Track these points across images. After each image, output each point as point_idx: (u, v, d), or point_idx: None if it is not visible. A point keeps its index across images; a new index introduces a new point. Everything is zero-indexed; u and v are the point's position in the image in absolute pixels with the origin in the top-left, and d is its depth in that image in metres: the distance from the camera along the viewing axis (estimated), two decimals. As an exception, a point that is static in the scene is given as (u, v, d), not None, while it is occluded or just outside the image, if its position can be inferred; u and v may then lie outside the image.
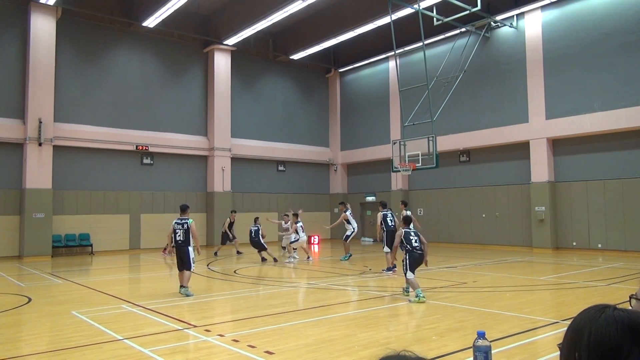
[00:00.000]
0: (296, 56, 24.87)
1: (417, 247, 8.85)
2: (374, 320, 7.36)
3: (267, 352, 5.66)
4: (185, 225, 9.98)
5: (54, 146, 19.05)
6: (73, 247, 19.57)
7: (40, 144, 18.53)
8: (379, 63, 25.62)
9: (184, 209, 10.27)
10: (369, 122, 26.18)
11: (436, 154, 16.87)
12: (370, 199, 26.14)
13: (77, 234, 19.78)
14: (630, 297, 1.41)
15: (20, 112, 18.81)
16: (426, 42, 19.35)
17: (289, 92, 26.84)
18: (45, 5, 18.70)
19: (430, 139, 16.94)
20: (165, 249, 14.47)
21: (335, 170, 27.95)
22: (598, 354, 1.14)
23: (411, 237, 8.93)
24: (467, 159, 21.49)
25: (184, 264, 9.91)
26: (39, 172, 18.55)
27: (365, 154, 26.14)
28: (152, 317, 7.78)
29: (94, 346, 6.10)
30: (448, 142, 21.00)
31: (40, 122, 18.53)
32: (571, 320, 1.27)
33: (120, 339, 6.35)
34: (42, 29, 18.87)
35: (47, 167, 18.79)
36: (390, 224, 13.56)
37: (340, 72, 27.95)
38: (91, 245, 19.87)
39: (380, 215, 13.72)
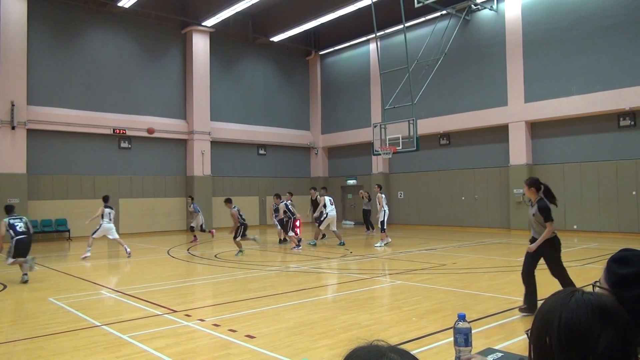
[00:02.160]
0: (276, 38, 24.57)
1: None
2: (354, 303, 7.40)
3: (248, 336, 5.65)
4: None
5: (28, 130, 18.58)
6: (50, 233, 19.23)
7: (13, 128, 18.04)
8: (360, 45, 25.46)
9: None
10: (350, 105, 26.11)
11: (416, 137, 16.93)
12: (351, 182, 26.20)
13: (54, 220, 19.43)
14: (593, 285, 1.41)
15: (-8, 95, 18.22)
16: (407, 24, 19.27)
17: (269, 74, 26.55)
18: (15, -16, 18.04)
19: (411, 122, 16.97)
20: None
21: (316, 153, 27.88)
22: (569, 337, 1.13)
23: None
24: (447, 142, 21.63)
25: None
26: (12, 156, 18.10)
27: (346, 137, 26.10)
28: (132, 302, 7.70)
29: (71, 333, 6.01)
30: (428, 125, 21.08)
31: (13, 105, 18.01)
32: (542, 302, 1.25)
33: (98, 325, 6.27)
34: (13, 9, 18.24)
35: (21, 151, 18.34)
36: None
37: (320, 54, 27.72)
38: (68, 231, 19.56)
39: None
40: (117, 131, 20.87)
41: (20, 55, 18.36)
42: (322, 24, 23.61)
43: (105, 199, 14.34)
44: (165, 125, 22.36)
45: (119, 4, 19.85)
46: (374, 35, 20.62)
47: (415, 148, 16.95)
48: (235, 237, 13.68)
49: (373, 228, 19.98)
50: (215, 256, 13.59)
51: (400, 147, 17.37)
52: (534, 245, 6.41)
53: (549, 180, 18.26)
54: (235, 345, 5.36)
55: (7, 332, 6.34)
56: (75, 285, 9.53)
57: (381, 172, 23.90)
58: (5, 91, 17.99)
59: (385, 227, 15.23)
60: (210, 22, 22.20)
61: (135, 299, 7.94)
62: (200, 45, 23.17)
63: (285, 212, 15.27)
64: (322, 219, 15.58)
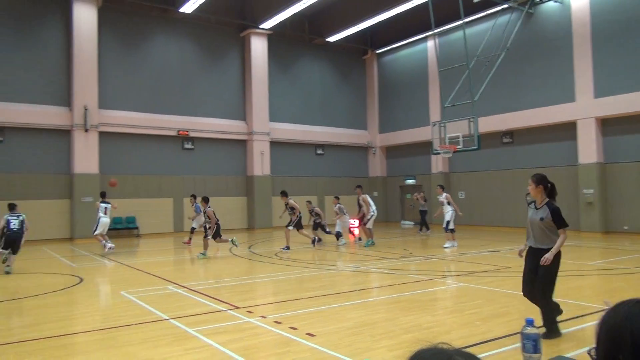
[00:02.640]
0: (332, 38, 24.65)
1: None
2: (415, 304, 7.30)
3: (309, 334, 5.70)
4: None
5: (100, 132, 19.66)
6: (120, 230, 20.26)
7: (86, 130, 19.16)
8: (417, 43, 25.07)
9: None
10: (408, 104, 25.78)
11: (477, 136, 16.47)
12: (409, 182, 25.87)
13: (124, 217, 20.45)
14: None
15: (67, 100, 19.46)
16: (466, 20, 18.79)
17: (325, 74, 26.69)
18: (88, -5, 19.14)
19: (471, 120, 16.53)
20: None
21: (374, 153, 27.74)
22: None
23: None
24: (510, 140, 20.89)
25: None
26: (86, 157, 19.23)
27: (404, 136, 25.79)
28: (197, 298, 7.98)
29: (141, 325, 6.31)
30: (490, 123, 20.45)
31: (86, 109, 19.12)
32: (602, 316, 1.15)
33: (166, 319, 6.54)
34: (85, 18, 19.36)
35: (94, 152, 19.43)
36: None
37: (377, 53, 27.54)
38: (137, 228, 20.53)
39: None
40: (181, 133, 21.69)
41: (92, 62, 19.47)
42: (378, 23, 23.45)
43: (102, 195, 15.60)
44: (226, 127, 23.01)
45: (181, 10, 20.61)
46: (431, 33, 20.25)
47: (476, 147, 16.49)
48: (205, 236, 13.57)
49: (428, 228, 19.86)
50: (276, 254, 13.82)
51: (461, 146, 16.95)
52: (550, 255, 5.28)
53: (623, 179, 17.27)
54: (296, 343, 5.43)
55: (83, 322, 6.74)
56: (144, 280, 9.98)
57: (441, 172, 23.43)
58: (79, 96, 19.13)
59: (452, 228, 14.93)
60: (267, 24, 22.60)
61: (200, 294, 8.21)
62: (259, 47, 23.65)
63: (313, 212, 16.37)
64: (369, 217, 15.46)
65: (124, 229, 20.40)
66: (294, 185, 24.74)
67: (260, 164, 23.39)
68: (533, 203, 5.56)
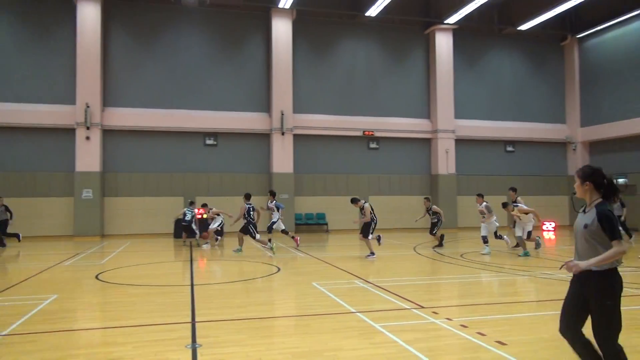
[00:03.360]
0: (525, 26, 22.85)
1: None
2: (631, 322, 6.34)
3: (499, 342, 5.38)
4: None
5: (294, 135, 21.40)
6: (312, 225, 21.79)
7: (282, 133, 21.03)
8: (630, 22, 21.77)
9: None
10: (618, 93, 22.56)
11: None
12: (621, 180, 22.60)
13: (315, 213, 21.94)
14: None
15: (266, 107, 21.62)
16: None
17: (517, 66, 24.88)
18: (283, 10, 20.99)
19: None
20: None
21: (574, 149, 24.96)
22: None
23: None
24: None
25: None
26: (283, 158, 21.13)
27: (614, 129, 22.66)
28: (382, 294, 8.14)
29: (330, 315, 6.68)
30: None
31: (282, 114, 21.00)
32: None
33: (353, 312, 6.81)
34: (282, 30, 21.27)
35: (289, 153, 21.25)
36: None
37: (578, 38, 24.71)
38: (327, 224, 21.84)
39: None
40: (366, 133, 22.41)
41: (288, 71, 21.32)
42: (580, 4, 20.98)
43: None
44: (410, 125, 23.05)
45: (367, 14, 21.25)
46: (650, 7, 17.38)
47: None
48: (254, 237, 14.00)
49: (631, 235, 17.08)
50: (461, 256, 13.36)
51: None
52: (585, 264, 3.70)
53: None
54: (484, 350, 5.16)
55: (282, 308, 7.41)
56: (334, 273, 10.55)
57: (661, 169, 20.00)
58: (277, 102, 21.12)
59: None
60: (452, 19, 21.95)
61: (385, 291, 8.36)
62: (443, 43, 23.14)
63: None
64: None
65: (314, 224, 21.88)
66: (480, 184, 23.60)
67: (445, 162, 22.88)
68: (583, 207, 3.99)
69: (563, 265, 3.90)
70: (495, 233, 14.19)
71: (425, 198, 16.55)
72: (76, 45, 19.45)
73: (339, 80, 22.59)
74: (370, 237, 12.86)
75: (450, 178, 22.89)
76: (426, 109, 23.60)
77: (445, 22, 22.35)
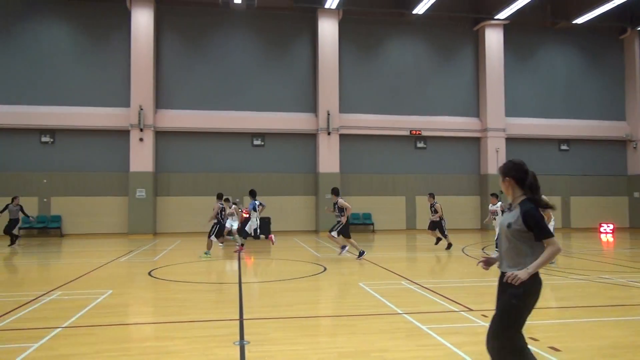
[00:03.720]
0: (580, 19, 21.92)
1: None
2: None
3: (552, 347, 5.17)
4: None
5: (340, 134, 21.41)
6: (358, 225, 21.72)
7: (329, 134, 21.08)
8: (699, 11, 20.47)
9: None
10: (683, 87, 21.26)
11: None
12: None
13: (361, 213, 21.85)
14: None
15: (313, 107, 21.73)
16: None
17: (571, 61, 23.93)
18: (330, 10, 21.04)
19: None
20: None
21: (634, 147, 23.73)
22: None
23: None
24: None
25: None
26: (329, 157, 21.18)
27: (679, 125, 21.38)
28: (429, 295, 8.00)
29: (377, 316, 6.62)
30: None
31: (329, 114, 21.04)
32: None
33: (400, 313, 6.73)
34: (328, 30, 21.32)
35: (335, 153, 21.26)
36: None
37: (639, 30, 23.43)
38: (372, 224, 21.71)
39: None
40: (414, 132, 22.12)
41: (334, 72, 21.36)
42: (642, -7, 19.93)
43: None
44: (459, 124, 22.60)
45: (414, 12, 20.96)
46: None
47: None
48: (209, 236, 13.40)
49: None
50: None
51: None
52: (524, 273, 3.35)
53: None
54: (537, 355, 4.97)
55: (327, 307, 7.42)
56: (380, 273, 10.47)
57: None
58: (323, 103, 21.22)
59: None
60: (503, 14, 21.33)
61: (433, 292, 8.21)
62: (493, 39, 22.53)
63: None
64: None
65: (360, 224, 21.79)
66: (533, 185, 22.85)
67: (495, 161, 22.26)
68: (509, 205, 3.70)
69: (480, 262, 3.70)
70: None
71: (429, 194, 15.67)
72: (130, 50, 20.24)
73: (386, 80, 22.41)
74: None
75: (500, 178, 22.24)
76: (475, 108, 23.05)
77: (496, 17, 21.75)
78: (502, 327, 3.49)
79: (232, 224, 15.10)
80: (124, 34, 20.56)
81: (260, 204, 14.53)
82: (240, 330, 5.85)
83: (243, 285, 8.93)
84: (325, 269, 11.03)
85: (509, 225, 3.51)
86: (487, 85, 22.49)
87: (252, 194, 14.56)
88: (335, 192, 13.00)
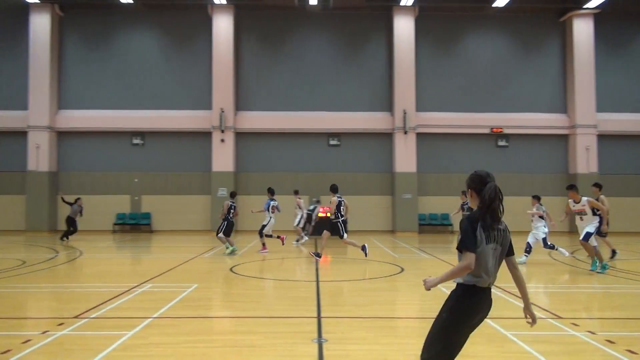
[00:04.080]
0: (686, 4, 20.00)
1: None
2: None
3: (629, 350, 4.78)
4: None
5: (417, 133, 21.04)
6: (436, 226, 21.26)
7: (405, 132, 20.79)
8: None
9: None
10: None
11: None
12: None
13: (439, 214, 21.36)
14: None
15: (389, 106, 21.53)
16: None
17: (674, 50, 21.89)
18: (405, 7, 20.75)
19: None
20: None
21: None
22: None
23: None
24: None
25: None
26: (405, 157, 20.88)
27: None
28: (513, 300, 7.67)
29: (457, 320, 6.43)
30: None
31: (405, 113, 20.75)
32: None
33: (482, 318, 6.49)
34: (404, 28, 21.04)
35: (412, 153, 20.92)
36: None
37: None
38: (451, 225, 21.14)
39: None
40: (495, 130, 21.28)
41: (410, 70, 21.03)
42: None
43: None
44: (544, 121, 21.46)
45: (494, 5, 20.15)
46: None
47: None
48: (217, 233, 13.36)
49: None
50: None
51: None
52: (431, 281, 3.39)
53: None
54: (614, 358, 4.62)
55: (405, 309, 7.32)
56: (459, 276, 10.16)
57: None
58: (399, 102, 20.93)
59: None
60: (593, 2, 19.95)
61: (517, 297, 7.85)
62: (583, 30, 21.14)
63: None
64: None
65: (438, 225, 21.31)
66: (628, 185, 21.21)
67: (586, 160, 20.88)
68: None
69: (424, 283, 3.52)
70: (545, 241, 12.10)
71: (462, 192, 14.30)
72: (212, 55, 21.13)
73: (464, 76, 21.74)
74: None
75: (591, 177, 20.80)
76: (562, 103, 21.75)
77: (585, 7, 20.39)
78: (431, 340, 3.44)
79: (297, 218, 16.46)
80: (206, 40, 21.48)
81: (275, 205, 14.27)
82: (318, 328, 5.92)
83: (320, 284, 9.03)
84: (402, 269, 10.90)
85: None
86: (575, 79, 21.13)
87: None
88: (334, 189, 12.62)
